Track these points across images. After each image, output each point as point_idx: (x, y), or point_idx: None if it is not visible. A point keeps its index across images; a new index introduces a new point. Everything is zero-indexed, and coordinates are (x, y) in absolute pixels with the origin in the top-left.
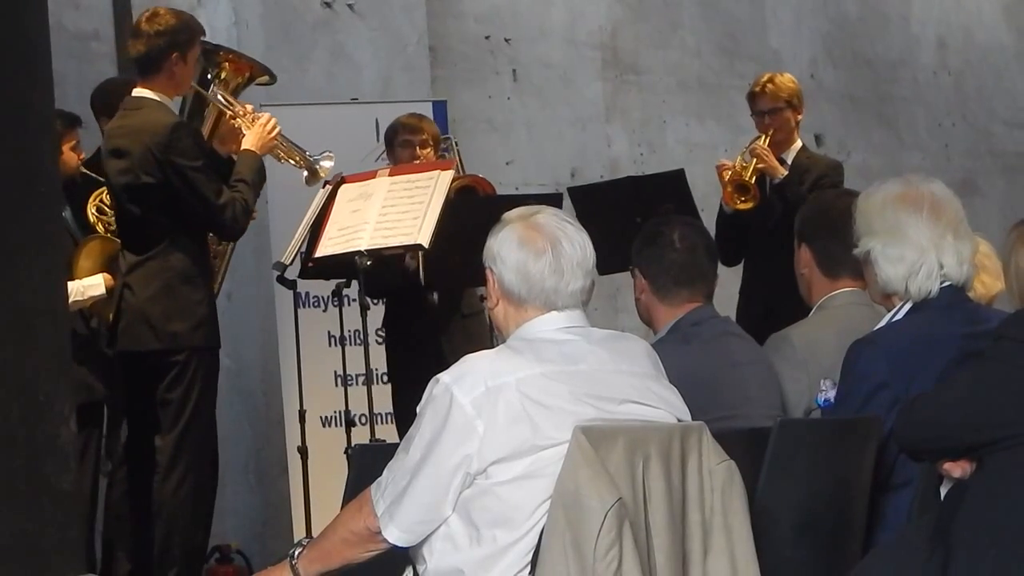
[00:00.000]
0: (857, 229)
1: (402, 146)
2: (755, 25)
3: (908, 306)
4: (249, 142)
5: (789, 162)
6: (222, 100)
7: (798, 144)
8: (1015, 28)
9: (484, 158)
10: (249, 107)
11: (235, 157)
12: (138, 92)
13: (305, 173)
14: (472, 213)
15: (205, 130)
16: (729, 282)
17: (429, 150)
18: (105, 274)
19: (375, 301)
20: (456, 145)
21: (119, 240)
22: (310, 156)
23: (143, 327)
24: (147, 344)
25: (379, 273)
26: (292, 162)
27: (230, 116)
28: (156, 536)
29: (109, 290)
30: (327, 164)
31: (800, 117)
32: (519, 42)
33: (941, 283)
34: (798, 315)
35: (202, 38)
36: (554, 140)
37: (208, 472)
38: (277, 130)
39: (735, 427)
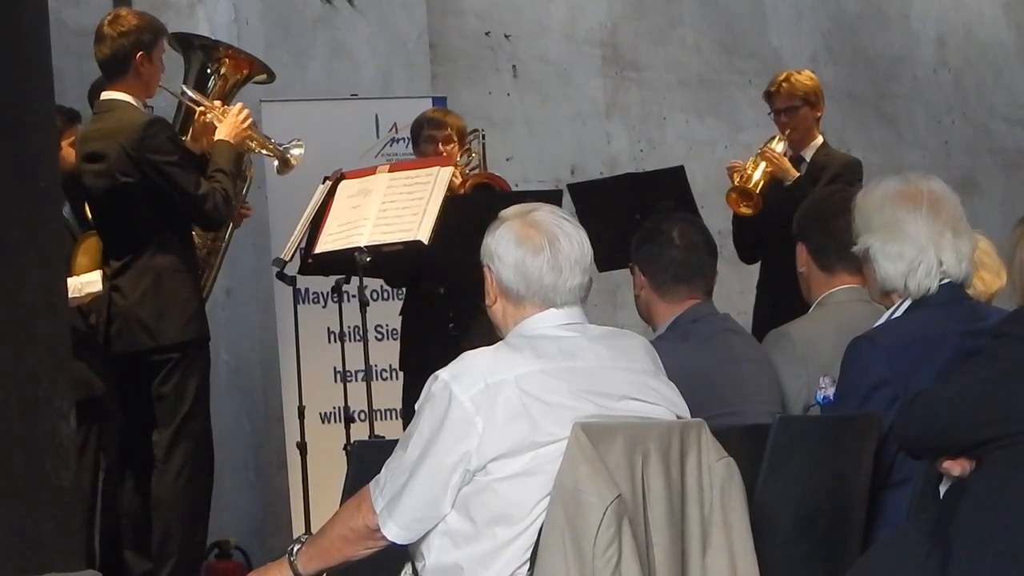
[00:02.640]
0: (856, 226)
1: (426, 141)
2: (755, 22)
3: (907, 303)
4: (223, 133)
5: (808, 160)
6: (191, 97)
7: (818, 141)
8: (1015, 25)
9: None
10: (217, 102)
11: (208, 153)
12: (108, 95)
13: (276, 163)
14: (471, 210)
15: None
16: (729, 279)
17: (453, 145)
18: (103, 270)
19: (399, 294)
20: (484, 139)
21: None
22: (280, 146)
23: (136, 328)
24: (142, 344)
25: (396, 262)
26: (265, 152)
27: (200, 112)
28: (155, 530)
29: None
30: (297, 152)
31: (819, 114)
32: (519, 39)
33: (940, 280)
34: (804, 312)
35: (200, 34)
36: (554, 137)
37: (205, 466)
38: (250, 120)
39: (734, 424)
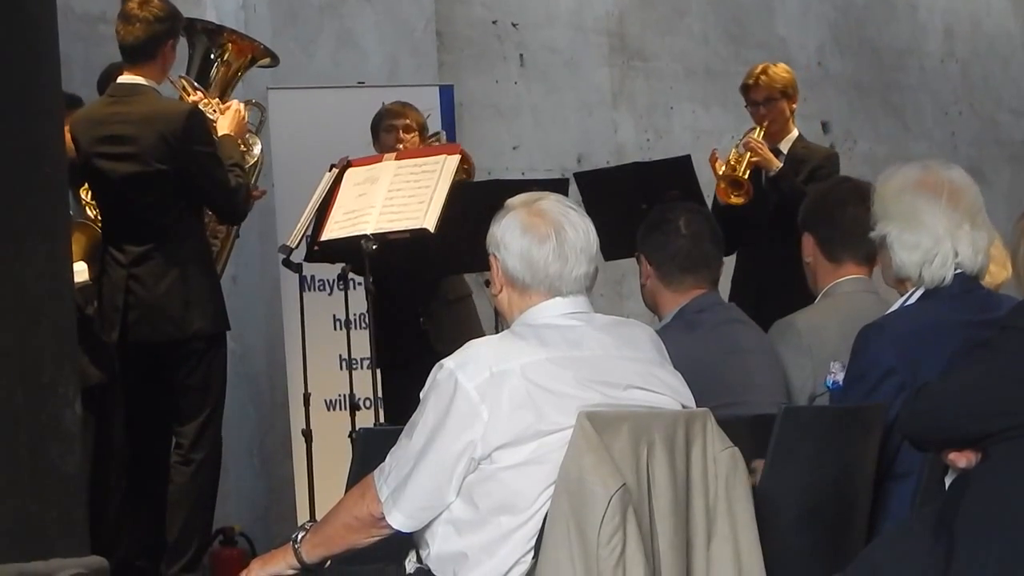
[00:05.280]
0: (874, 213)
1: (386, 131)
2: (762, 12)
3: (920, 292)
4: (226, 127)
5: (785, 152)
6: (187, 87)
7: (794, 134)
8: (1022, 16)
9: (490, 143)
10: (198, 93)
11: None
12: (129, 79)
13: None
14: (476, 198)
15: None
16: (732, 270)
17: (413, 135)
18: (82, 261)
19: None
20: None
21: (100, 229)
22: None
23: (161, 319)
24: (168, 335)
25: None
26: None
27: (193, 103)
28: (176, 520)
29: (91, 277)
30: (255, 150)
31: (795, 106)
32: (526, 27)
33: (955, 271)
34: (788, 305)
35: (206, 19)
36: (560, 126)
37: (219, 456)
38: (246, 118)
39: (739, 414)
